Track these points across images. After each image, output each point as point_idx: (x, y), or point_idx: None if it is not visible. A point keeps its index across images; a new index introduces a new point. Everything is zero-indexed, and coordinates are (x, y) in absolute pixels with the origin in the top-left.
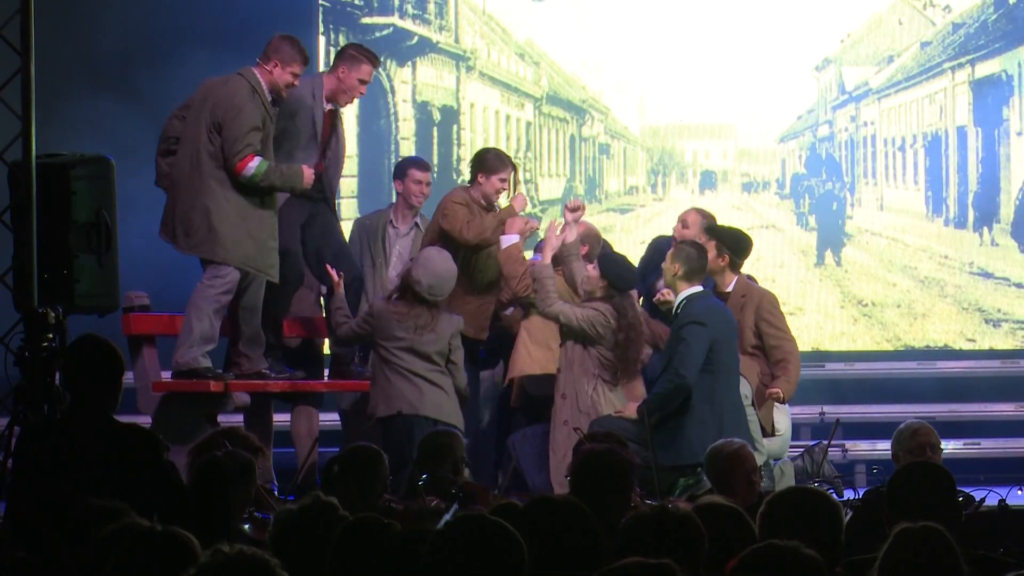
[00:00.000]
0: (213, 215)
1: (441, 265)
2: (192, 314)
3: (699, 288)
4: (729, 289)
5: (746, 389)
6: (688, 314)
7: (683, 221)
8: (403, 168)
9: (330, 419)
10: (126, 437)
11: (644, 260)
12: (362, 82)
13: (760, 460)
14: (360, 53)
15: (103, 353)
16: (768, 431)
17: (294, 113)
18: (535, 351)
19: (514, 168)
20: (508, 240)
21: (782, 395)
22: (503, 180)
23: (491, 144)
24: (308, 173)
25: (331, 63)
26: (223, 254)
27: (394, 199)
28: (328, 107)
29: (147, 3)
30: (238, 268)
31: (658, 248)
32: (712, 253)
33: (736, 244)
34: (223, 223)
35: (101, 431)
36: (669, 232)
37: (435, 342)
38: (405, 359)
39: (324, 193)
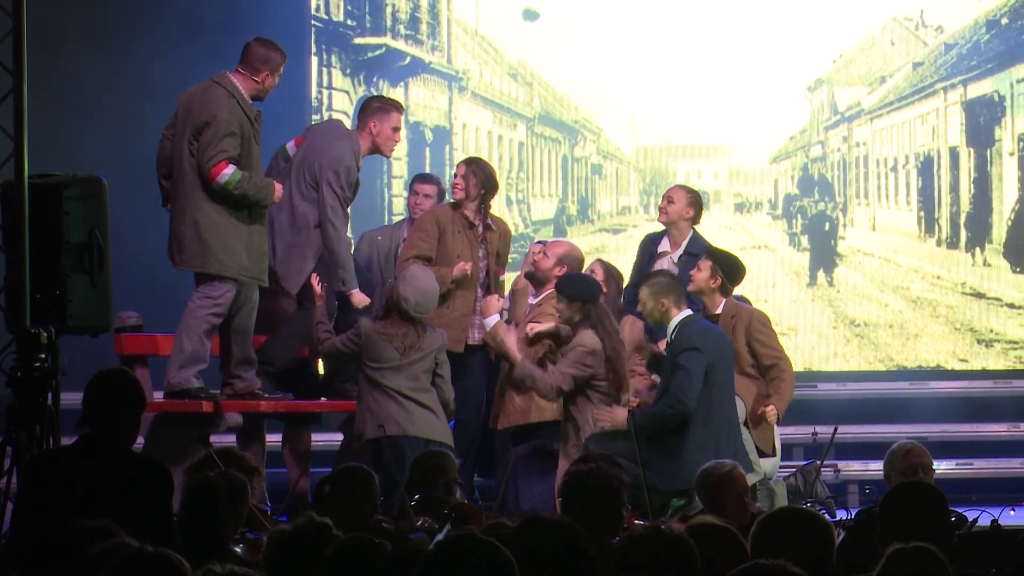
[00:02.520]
0: (203, 228)
1: (426, 282)
2: (183, 334)
3: (688, 311)
4: (718, 311)
5: (740, 411)
6: (684, 339)
7: (668, 197)
8: (410, 183)
9: (324, 439)
10: (142, 470)
11: (636, 263)
12: (395, 130)
13: (755, 479)
14: (384, 103)
15: (126, 388)
16: (768, 452)
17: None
18: (519, 400)
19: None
20: (491, 322)
21: (775, 413)
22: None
23: None
24: (278, 188)
25: (357, 122)
26: (217, 266)
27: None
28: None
29: (141, 29)
30: (234, 278)
31: (646, 243)
32: (706, 273)
33: (731, 268)
34: (215, 235)
35: (117, 463)
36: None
37: (422, 360)
38: (392, 380)
39: None
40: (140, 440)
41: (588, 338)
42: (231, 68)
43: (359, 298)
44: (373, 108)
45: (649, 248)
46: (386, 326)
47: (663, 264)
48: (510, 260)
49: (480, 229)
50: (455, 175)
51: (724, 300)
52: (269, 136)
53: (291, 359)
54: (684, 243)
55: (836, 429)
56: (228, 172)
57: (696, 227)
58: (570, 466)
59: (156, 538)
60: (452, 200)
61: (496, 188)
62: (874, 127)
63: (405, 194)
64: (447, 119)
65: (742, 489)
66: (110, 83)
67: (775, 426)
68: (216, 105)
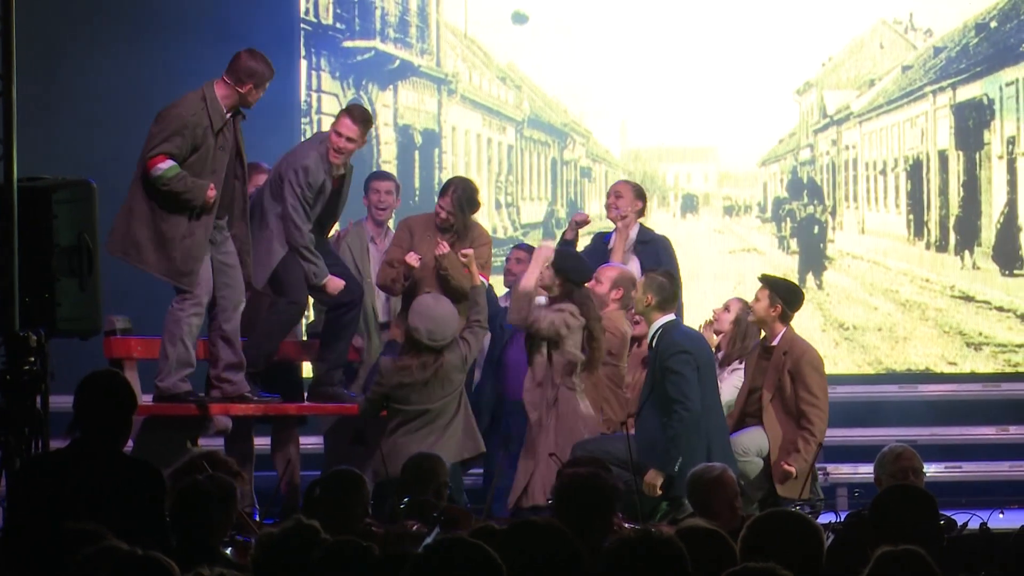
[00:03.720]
0: (134, 215)
1: (437, 311)
2: (166, 340)
3: (671, 316)
4: (775, 343)
5: (762, 443)
6: (670, 344)
7: (616, 193)
8: (366, 182)
9: (316, 442)
10: (134, 473)
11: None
12: (339, 135)
13: (758, 466)
14: (345, 109)
15: (118, 389)
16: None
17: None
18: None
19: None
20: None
21: (795, 473)
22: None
23: (472, 169)
24: (212, 192)
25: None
26: (135, 254)
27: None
28: (341, 169)
29: (131, 33)
30: (152, 272)
31: (597, 241)
32: (764, 303)
33: (790, 295)
34: (141, 225)
35: (109, 466)
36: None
37: (448, 386)
38: (420, 418)
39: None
40: (129, 444)
41: (568, 307)
42: (219, 70)
43: (334, 284)
44: (337, 114)
45: (600, 246)
46: (404, 360)
47: (614, 260)
48: (498, 263)
49: (460, 235)
50: (442, 195)
51: (784, 330)
52: (261, 139)
53: (271, 353)
54: (632, 234)
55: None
56: (164, 166)
57: (642, 219)
58: (566, 469)
59: (150, 539)
60: (435, 216)
61: (478, 207)
62: (863, 130)
63: None
64: (436, 122)
65: (732, 492)
66: (99, 86)
67: (761, 430)
68: (180, 102)
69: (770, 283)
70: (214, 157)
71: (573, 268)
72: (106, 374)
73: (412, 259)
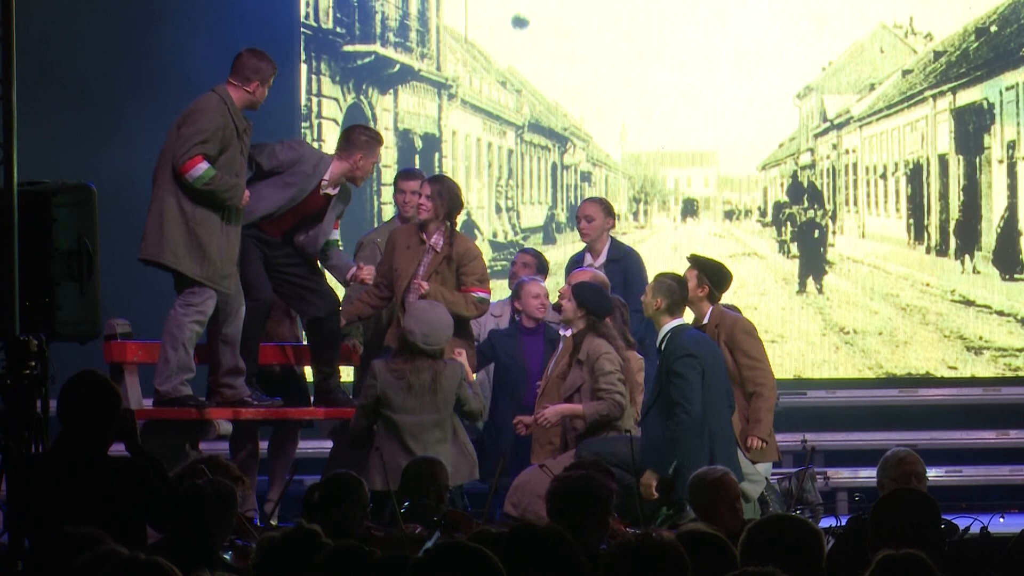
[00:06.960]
0: (166, 219)
1: (433, 315)
2: (167, 343)
3: (680, 320)
4: (705, 321)
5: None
6: (677, 347)
7: (586, 217)
8: (394, 181)
9: (314, 446)
10: (117, 472)
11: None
12: (374, 164)
13: (760, 488)
14: (373, 138)
15: (101, 390)
16: (772, 458)
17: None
18: None
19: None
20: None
21: (759, 445)
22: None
23: (472, 173)
24: (247, 194)
25: (339, 146)
26: (172, 259)
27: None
28: (331, 190)
29: (131, 38)
30: (190, 277)
31: (571, 264)
32: (692, 283)
33: (717, 276)
34: (176, 228)
35: (93, 467)
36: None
37: (441, 400)
38: (410, 430)
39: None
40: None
41: (607, 352)
42: (220, 75)
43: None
44: (361, 142)
45: (574, 267)
46: (398, 363)
47: None
48: (499, 267)
49: (441, 248)
50: (420, 194)
51: (711, 308)
52: (259, 141)
53: (253, 354)
54: (604, 251)
55: (805, 441)
56: (202, 167)
57: (611, 233)
58: (561, 472)
59: (137, 534)
60: (418, 219)
61: (462, 207)
62: (863, 134)
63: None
64: (436, 126)
65: (734, 495)
66: (100, 90)
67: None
68: (205, 105)
69: (698, 263)
70: (238, 161)
71: (596, 302)
72: (88, 375)
73: (366, 274)
